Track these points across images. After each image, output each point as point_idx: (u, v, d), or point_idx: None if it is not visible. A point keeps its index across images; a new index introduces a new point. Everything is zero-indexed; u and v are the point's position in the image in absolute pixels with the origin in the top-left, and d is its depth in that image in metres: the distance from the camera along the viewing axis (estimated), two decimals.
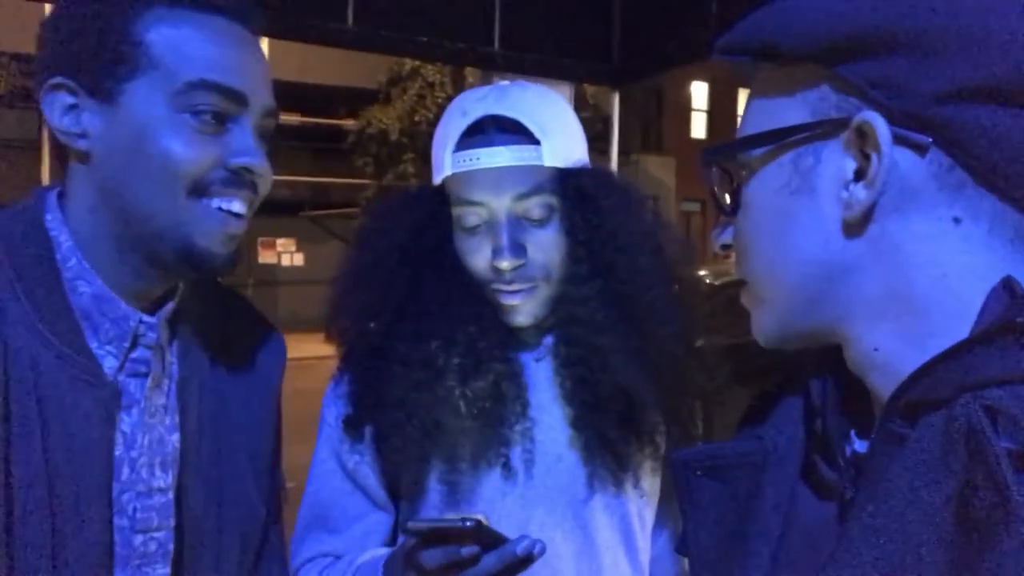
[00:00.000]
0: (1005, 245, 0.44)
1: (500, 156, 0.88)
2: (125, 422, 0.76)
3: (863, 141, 0.45)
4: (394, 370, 0.91)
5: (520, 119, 0.89)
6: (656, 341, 0.92)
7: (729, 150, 0.53)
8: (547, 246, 0.90)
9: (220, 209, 0.73)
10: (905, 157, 0.44)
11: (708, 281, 5.01)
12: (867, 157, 0.45)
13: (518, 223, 0.89)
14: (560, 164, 0.91)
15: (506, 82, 0.96)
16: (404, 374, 0.90)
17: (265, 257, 12.78)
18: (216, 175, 0.72)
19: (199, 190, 0.72)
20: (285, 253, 13.12)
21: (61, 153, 0.76)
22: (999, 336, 0.40)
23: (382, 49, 2.21)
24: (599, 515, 0.93)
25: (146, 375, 0.77)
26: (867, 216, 0.46)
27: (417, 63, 12.32)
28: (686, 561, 1.00)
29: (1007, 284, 0.43)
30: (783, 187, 0.49)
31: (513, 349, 0.94)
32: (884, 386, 0.46)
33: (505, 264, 0.88)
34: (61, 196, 0.77)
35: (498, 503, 0.91)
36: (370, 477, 0.95)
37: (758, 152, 0.50)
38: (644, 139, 16.84)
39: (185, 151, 0.71)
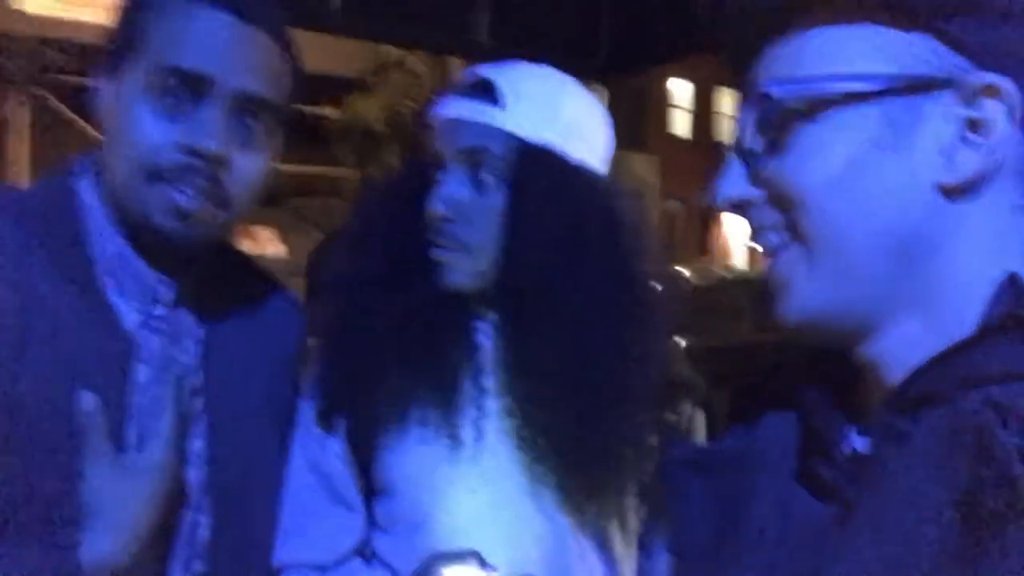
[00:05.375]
0: None
1: (459, 108, 0.90)
2: (143, 372, 0.82)
3: (976, 104, 0.43)
4: (357, 348, 0.90)
5: (494, 79, 0.90)
6: (606, 339, 0.89)
7: (806, 87, 0.47)
8: (484, 211, 0.89)
9: (173, 191, 0.78)
10: (1015, 133, 0.43)
11: (693, 283, 5.02)
12: (973, 123, 0.43)
13: (461, 178, 0.89)
14: (523, 133, 0.88)
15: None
16: (365, 353, 0.89)
17: (246, 247, 12.64)
18: (169, 159, 0.77)
19: (156, 177, 0.78)
20: (267, 243, 12.97)
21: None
22: (1004, 332, 0.40)
23: (368, 35, 2.18)
24: (568, 519, 0.91)
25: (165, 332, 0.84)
26: (966, 186, 0.43)
27: (402, 53, 12.23)
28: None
29: (1013, 280, 0.42)
30: (869, 140, 0.45)
31: (467, 327, 0.93)
32: (895, 382, 0.45)
33: (436, 212, 0.88)
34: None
35: (464, 500, 0.89)
36: (342, 473, 0.92)
37: (835, 95, 0.46)
38: (628, 137, 16.88)
39: (143, 130, 0.77)
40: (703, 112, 18.35)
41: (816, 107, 0.46)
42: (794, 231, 0.48)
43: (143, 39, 0.78)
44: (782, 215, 0.49)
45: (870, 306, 0.47)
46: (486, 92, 0.90)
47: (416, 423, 0.89)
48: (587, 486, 0.90)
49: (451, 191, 0.89)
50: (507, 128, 0.88)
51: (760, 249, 0.51)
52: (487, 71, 0.92)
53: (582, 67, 2.70)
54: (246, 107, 0.79)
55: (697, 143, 17.74)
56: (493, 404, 0.91)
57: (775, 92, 0.47)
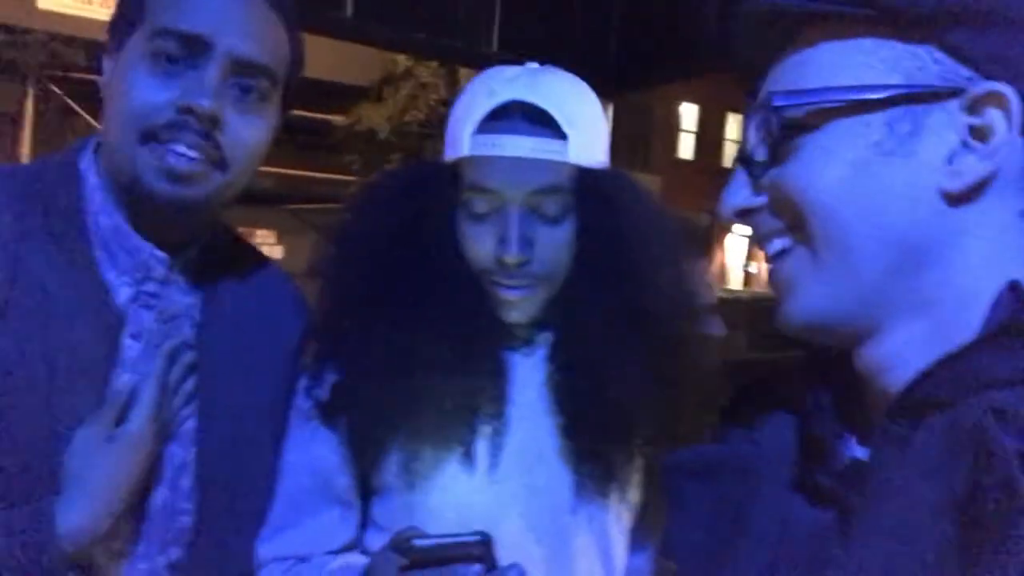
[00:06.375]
0: None
1: (524, 146, 0.84)
2: (133, 348, 0.81)
3: (979, 111, 0.44)
4: (374, 356, 0.88)
5: (549, 109, 0.85)
6: (663, 357, 0.89)
7: (807, 100, 0.48)
8: (556, 245, 0.87)
9: (168, 150, 0.77)
10: (1014, 139, 0.44)
11: None
12: (976, 130, 0.44)
13: (530, 217, 0.86)
14: (584, 162, 0.87)
15: (536, 64, 0.93)
16: (384, 361, 0.87)
17: None
18: (164, 118, 0.76)
19: (150, 136, 0.76)
20: (264, 245, 12.94)
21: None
22: (1005, 338, 0.40)
23: (379, 43, 2.20)
24: (580, 522, 0.91)
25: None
26: (970, 191, 0.44)
27: (411, 63, 12.31)
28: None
29: (1014, 287, 0.42)
30: (873, 146, 0.46)
31: (502, 346, 0.92)
32: (895, 387, 0.45)
33: (511, 258, 0.85)
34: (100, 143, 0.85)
35: (472, 498, 0.88)
36: (338, 470, 0.91)
37: (839, 105, 0.47)
38: (632, 156, 16.95)
39: (139, 92, 0.77)
40: (708, 135, 18.46)
41: (820, 117, 0.47)
42: (799, 235, 0.49)
43: (142, 9, 0.79)
44: (786, 220, 0.49)
45: (873, 308, 0.47)
46: (544, 124, 0.85)
47: (432, 431, 0.88)
48: (605, 485, 0.90)
49: (524, 233, 0.85)
50: (572, 160, 0.86)
51: (764, 257, 0.52)
52: (527, 93, 0.85)
53: (591, 82, 2.71)
54: (242, 71, 0.79)
55: (700, 165, 17.82)
56: (524, 416, 0.91)
57: (780, 103, 0.48)
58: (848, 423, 0.51)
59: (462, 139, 0.87)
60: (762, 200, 0.51)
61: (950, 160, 0.44)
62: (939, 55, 0.45)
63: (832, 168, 0.46)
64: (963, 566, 0.37)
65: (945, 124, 0.45)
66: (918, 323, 0.46)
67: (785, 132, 0.48)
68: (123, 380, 0.76)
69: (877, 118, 0.46)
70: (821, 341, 0.51)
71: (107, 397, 0.76)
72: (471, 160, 0.87)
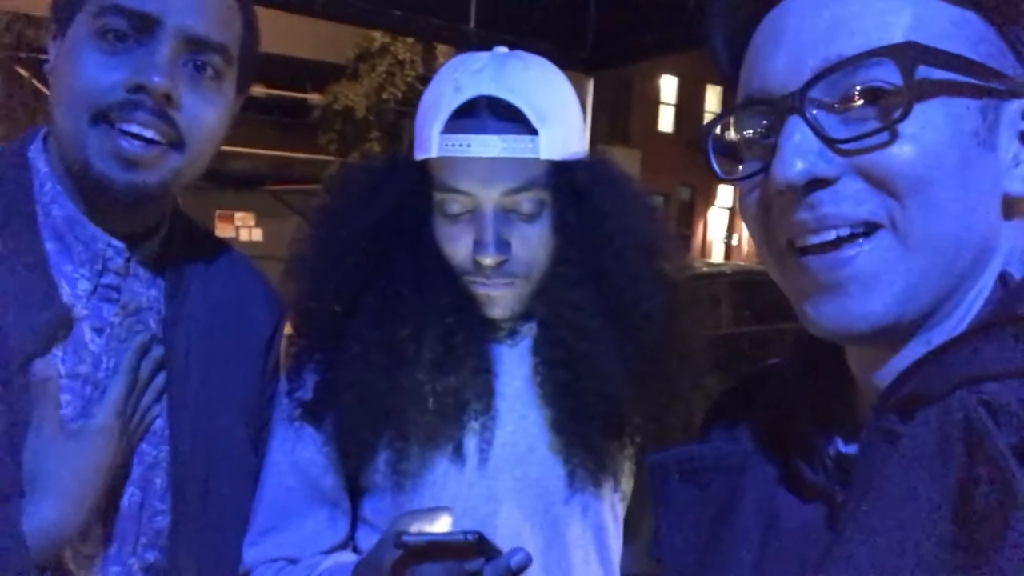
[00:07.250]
0: None
1: (493, 146, 0.81)
2: (95, 343, 0.79)
3: None
4: (357, 354, 0.87)
5: (519, 105, 0.82)
6: (645, 347, 0.88)
7: (912, 63, 0.40)
8: (533, 243, 0.86)
9: (120, 132, 0.74)
10: None
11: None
12: None
13: (505, 217, 0.84)
14: (557, 156, 0.84)
15: (504, 50, 0.89)
16: (367, 359, 0.86)
17: (222, 231, 12.43)
18: (115, 98, 0.73)
19: (100, 116, 0.74)
20: (243, 228, 12.77)
21: None
22: (995, 330, 0.39)
23: (354, 20, 2.16)
24: (574, 514, 0.91)
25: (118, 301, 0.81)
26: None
27: (387, 40, 12.13)
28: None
29: (1003, 278, 0.42)
30: (972, 132, 0.42)
31: (486, 339, 0.91)
32: (886, 382, 0.44)
33: (488, 260, 0.83)
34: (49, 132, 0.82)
35: (463, 493, 0.88)
36: (326, 470, 0.90)
37: (943, 82, 0.41)
38: (612, 130, 16.89)
39: (87, 73, 0.74)
40: (687, 107, 18.40)
41: (924, 89, 0.41)
42: (890, 221, 0.42)
43: None
44: (871, 204, 0.42)
45: (928, 315, 0.43)
46: (513, 120, 0.82)
47: (419, 428, 0.87)
48: (598, 474, 0.90)
49: (500, 234, 0.84)
50: (544, 156, 0.83)
51: (814, 235, 0.44)
52: (494, 87, 0.83)
53: (569, 58, 2.67)
54: (195, 48, 0.76)
55: (680, 138, 17.79)
56: (512, 409, 0.90)
57: (879, 63, 0.41)
58: (832, 420, 0.50)
59: (430, 139, 0.84)
60: (837, 170, 0.43)
61: (1016, 162, 0.42)
62: (1002, 44, 0.42)
63: (945, 156, 0.41)
64: (960, 562, 0.36)
65: (1009, 122, 0.42)
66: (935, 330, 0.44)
67: (887, 100, 0.42)
68: (37, 368, 0.72)
69: (976, 103, 0.42)
70: (863, 345, 0.46)
71: (32, 391, 0.72)
72: (440, 161, 0.84)
